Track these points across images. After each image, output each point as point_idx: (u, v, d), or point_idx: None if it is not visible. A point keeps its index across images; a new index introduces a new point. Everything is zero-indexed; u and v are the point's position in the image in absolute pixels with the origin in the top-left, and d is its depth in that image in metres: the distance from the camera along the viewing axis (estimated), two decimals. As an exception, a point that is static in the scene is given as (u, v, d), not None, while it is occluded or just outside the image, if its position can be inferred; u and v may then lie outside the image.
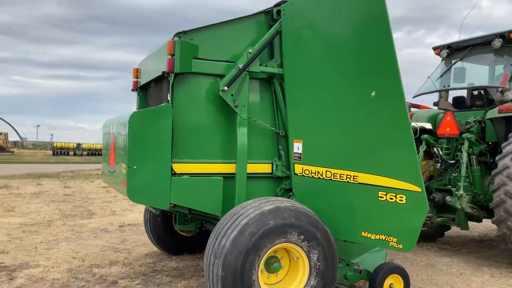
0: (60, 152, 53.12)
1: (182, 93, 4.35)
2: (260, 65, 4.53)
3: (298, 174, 4.53)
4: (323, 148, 4.39)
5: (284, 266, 4.11)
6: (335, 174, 4.27)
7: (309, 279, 3.97)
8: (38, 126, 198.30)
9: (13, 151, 55.05)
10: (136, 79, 5.62)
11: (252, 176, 4.58)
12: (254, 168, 4.59)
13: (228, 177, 4.48)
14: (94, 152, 53.88)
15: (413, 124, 6.89)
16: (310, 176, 4.43)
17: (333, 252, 4.02)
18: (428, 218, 6.65)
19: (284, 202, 3.99)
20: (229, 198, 4.45)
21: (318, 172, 4.37)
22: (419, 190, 3.88)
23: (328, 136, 4.36)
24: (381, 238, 4.12)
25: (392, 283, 4.53)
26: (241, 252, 3.69)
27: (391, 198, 4.01)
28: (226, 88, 4.30)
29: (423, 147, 7.08)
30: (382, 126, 4.01)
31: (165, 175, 4.19)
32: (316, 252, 3.95)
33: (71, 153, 53.75)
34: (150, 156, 4.16)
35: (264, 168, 4.66)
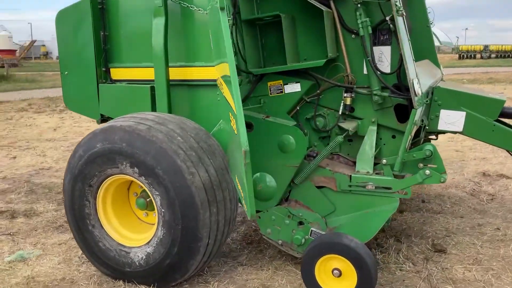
0: (466, 55, 49.87)
1: None
2: None
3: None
4: None
5: (162, 205, 3.06)
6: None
7: (157, 228, 2.85)
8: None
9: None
10: None
11: (195, 84, 3.45)
12: (195, 73, 3.42)
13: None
14: (503, 55, 48.23)
15: None
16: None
17: (187, 198, 2.68)
18: None
19: (130, 120, 2.89)
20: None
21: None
22: None
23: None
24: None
25: (337, 268, 2.68)
26: (71, 177, 3.03)
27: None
28: None
29: None
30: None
31: (91, 82, 3.72)
32: (157, 193, 2.76)
33: (478, 56, 49.72)
34: (78, 60, 3.77)
35: (211, 72, 3.38)
